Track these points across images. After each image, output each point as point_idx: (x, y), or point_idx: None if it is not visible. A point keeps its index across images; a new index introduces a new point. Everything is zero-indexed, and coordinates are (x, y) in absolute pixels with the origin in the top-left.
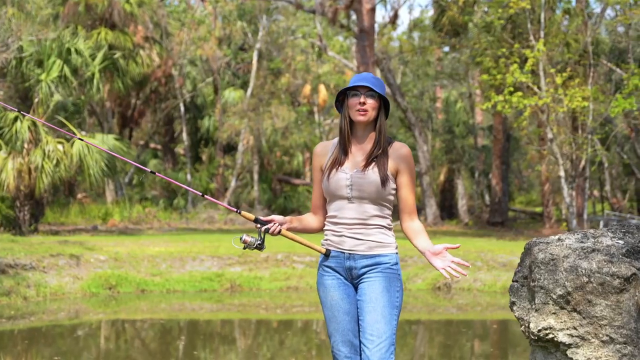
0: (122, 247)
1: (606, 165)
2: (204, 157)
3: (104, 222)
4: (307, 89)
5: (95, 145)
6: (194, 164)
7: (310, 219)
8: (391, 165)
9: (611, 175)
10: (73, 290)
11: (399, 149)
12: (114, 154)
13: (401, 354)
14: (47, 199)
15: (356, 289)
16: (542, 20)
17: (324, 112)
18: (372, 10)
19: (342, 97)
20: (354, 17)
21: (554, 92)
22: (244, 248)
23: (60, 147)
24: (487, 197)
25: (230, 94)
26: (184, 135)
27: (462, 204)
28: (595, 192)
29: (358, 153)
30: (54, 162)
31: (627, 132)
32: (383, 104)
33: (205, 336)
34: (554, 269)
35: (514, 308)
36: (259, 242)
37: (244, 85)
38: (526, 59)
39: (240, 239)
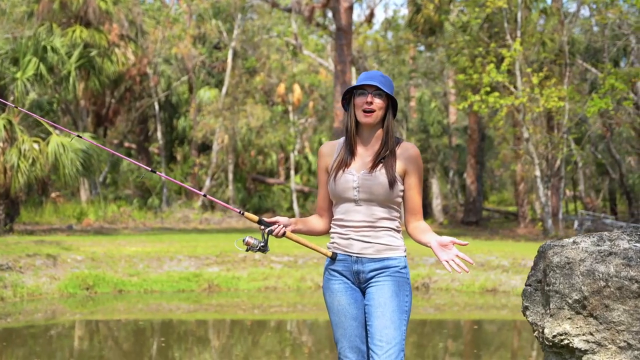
0: (99, 247)
1: (580, 164)
2: (179, 157)
3: (78, 222)
4: (282, 88)
5: (103, 147)
6: (169, 163)
7: (315, 221)
8: (399, 166)
9: (585, 175)
10: (50, 291)
11: (407, 150)
12: (123, 156)
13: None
14: (21, 198)
15: (364, 293)
16: (519, 19)
17: (298, 112)
18: (350, 8)
19: (349, 95)
20: (329, 15)
21: (531, 92)
22: (247, 250)
23: (36, 145)
24: (459, 197)
25: (205, 93)
26: (159, 134)
27: (436, 203)
28: (568, 192)
29: (365, 154)
30: (30, 161)
31: (603, 131)
32: (391, 103)
33: (181, 337)
34: (569, 272)
35: (527, 313)
36: (262, 244)
37: (219, 84)
38: (502, 59)
39: (243, 240)
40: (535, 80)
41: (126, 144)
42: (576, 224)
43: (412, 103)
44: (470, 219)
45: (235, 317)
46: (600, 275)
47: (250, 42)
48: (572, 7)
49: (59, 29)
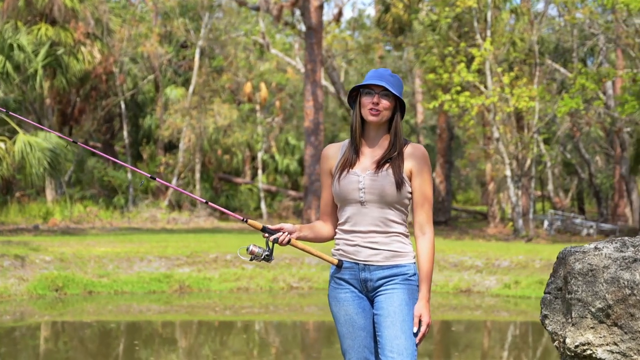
0: (68, 248)
1: (549, 164)
2: (145, 156)
3: (44, 222)
4: (248, 87)
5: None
6: (135, 163)
7: (321, 227)
8: (406, 167)
9: (553, 175)
10: (19, 292)
11: (414, 150)
12: (124, 164)
13: (338, 355)
14: None
15: (372, 302)
16: (489, 19)
17: (264, 111)
18: (320, 7)
19: (355, 92)
20: (297, 14)
21: (501, 92)
22: (251, 259)
23: (2, 145)
24: None
25: (172, 92)
26: (125, 133)
27: None
28: (536, 192)
29: (371, 154)
30: None
31: (573, 131)
32: (399, 103)
33: (151, 338)
34: (592, 280)
35: (547, 322)
36: (267, 252)
37: (186, 83)
38: (473, 58)
39: (247, 249)
40: (506, 80)
41: (92, 143)
42: (546, 223)
43: None
44: (440, 218)
45: (207, 319)
46: (626, 282)
47: (218, 40)
48: (540, 6)
49: (25, 27)
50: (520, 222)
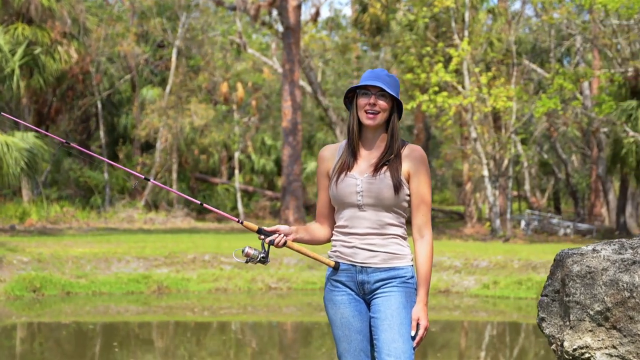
0: (45, 248)
1: (525, 164)
2: (121, 156)
3: (21, 222)
4: (225, 86)
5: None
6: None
7: (318, 229)
8: (404, 169)
9: (530, 175)
10: None
11: (412, 152)
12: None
13: (317, 356)
14: None
15: (368, 304)
16: (466, 19)
17: (240, 110)
18: (298, 7)
19: (352, 94)
20: (274, 14)
21: (479, 92)
22: (247, 262)
23: None
24: None
25: (148, 92)
26: (101, 133)
27: None
28: (513, 191)
29: (368, 157)
30: None
31: (550, 131)
32: (396, 104)
33: (128, 339)
34: (591, 282)
35: (544, 325)
36: (262, 254)
37: (162, 83)
38: (450, 58)
39: (242, 251)
40: (483, 80)
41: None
42: (523, 223)
43: None
44: None
45: (185, 319)
46: (625, 285)
47: (195, 40)
48: (517, 6)
49: (1, 27)
50: (498, 222)
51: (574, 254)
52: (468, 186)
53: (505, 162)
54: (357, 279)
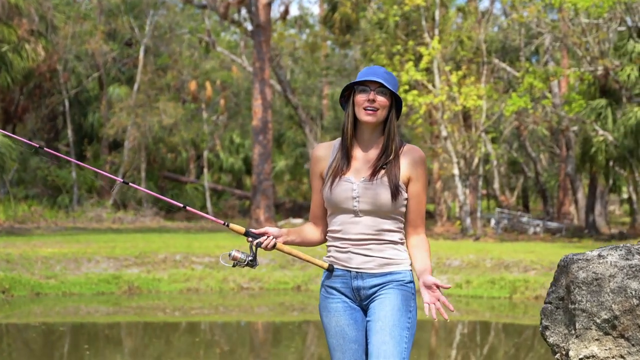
0: (14, 248)
1: (495, 163)
2: (89, 155)
3: None
4: (193, 85)
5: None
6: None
7: (310, 231)
8: (403, 172)
9: (500, 173)
10: None
11: (411, 154)
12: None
13: (294, 355)
14: None
15: (365, 311)
16: (437, 17)
17: (208, 109)
18: (268, 5)
19: (348, 92)
20: (244, 12)
21: (449, 90)
22: (234, 265)
23: None
24: None
25: (116, 90)
26: (69, 132)
27: None
28: (482, 190)
29: (364, 158)
30: None
31: (521, 130)
32: (395, 102)
33: (98, 340)
34: (598, 289)
35: (547, 333)
36: (250, 258)
37: (130, 81)
38: (421, 57)
39: (229, 255)
40: (454, 78)
41: (34, 142)
42: (493, 222)
43: (325, 101)
44: None
45: (156, 320)
46: (633, 292)
47: (162, 38)
48: (486, 4)
49: None
50: (468, 220)
51: (579, 259)
52: (438, 185)
53: (476, 160)
54: (352, 285)
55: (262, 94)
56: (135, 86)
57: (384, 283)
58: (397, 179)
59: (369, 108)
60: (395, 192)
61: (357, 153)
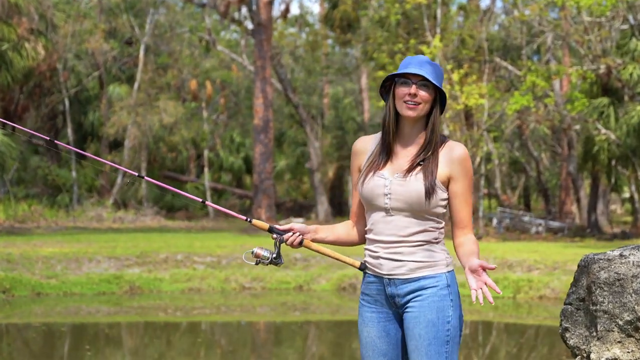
0: (14, 248)
1: (496, 162)
2: (89, 154)
3: None
4: (193, 84)
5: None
6: (79, 161)
7: (345, 230)
8: (442, 170)
9: (501, 172)
10: None
11: (452, 150)
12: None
13: (296, 356)
14: None
15: (402, 319)
16: (438, 16)
17: (208, 108)
18: (270, 3)
19: (389, 83)
20: (244, 10)
21: (451, 89)
22: (257, 263)
23: None
24: None
25: (116, 89)
26: (69, 131)
27: None
28: (484, 189)
29: (403, 154)
30: None
31: (523, 128)
32: (439, 96)
33: (99, 341)
34: (620, 290)
35: (567, 335)
36: (274, 255)
37: (130, 80)
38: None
39: (252, 252)
40: (455, 77)
41: (34, 141)
42: (495, 221)
43: (326, 100)
44: None
45: (157, 320)
46: None
47: (163, 37)
48: (487, 1)
49: None
50: None
51: (600, 259)
52: None
53: (477, 159)
54: (387, 292)
55: (264, 93)
56: (136, 85)
57: (418, 289)
58: (434, 177)
59: (410, 102)
60: (429, 190)
61: (397, 148)
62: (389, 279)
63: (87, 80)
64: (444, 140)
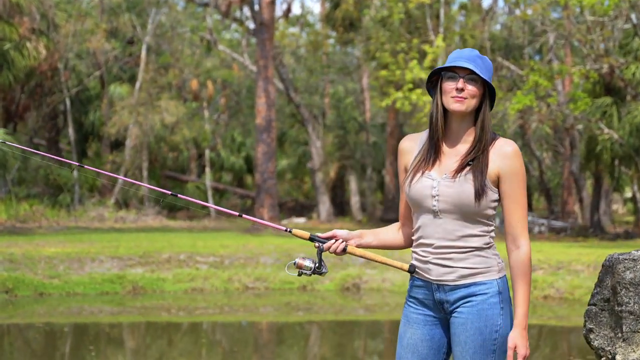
0: (17, 248)
1: None
2: (91, 153)
3: None
4: (195, 83)
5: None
6: (80, 160)
7: (390, 233)
8: (492, 169)
9: None
10: None
11: (501, 147)
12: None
13: (299, 356)
14: None
15: (449, 324)
16: (441, 15)
17: (210, 108)
18: (272, 3)
19: (436, 77)
20: (245, 10)
21: None
22: (299, 275)
23: None
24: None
25: (117, 89)
26: (70, 131)
27: (355, 200)
28: None
29: (451, 152)
30: None
31: (525, 128)
32: (488, 91)
33: (102, 341)
34: None
35: (592, 337)
36: (316, 265)
37: (132, 80)
38: (425, 55)
39: (294, 263)
40: None
41: (36, 141)
42: (497, 221)
43: (327, 99)
44: (389, 216)
45: (160, 320)
46: None
47: (164, 37)
48: (488, 1)
49: None
50: None
51: (625, 259)
52: None
53: None
54: (435, 298)
55: (266, 92)
56: (137, 85)
57: (468, 296)
58: (484, 176)
59: (457, 97)
60: (480, 191)
61: (444, 146)
62: (437, 284)
63: (89, 80)
64: (494, 137)
